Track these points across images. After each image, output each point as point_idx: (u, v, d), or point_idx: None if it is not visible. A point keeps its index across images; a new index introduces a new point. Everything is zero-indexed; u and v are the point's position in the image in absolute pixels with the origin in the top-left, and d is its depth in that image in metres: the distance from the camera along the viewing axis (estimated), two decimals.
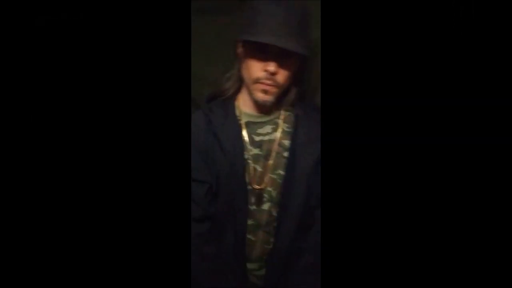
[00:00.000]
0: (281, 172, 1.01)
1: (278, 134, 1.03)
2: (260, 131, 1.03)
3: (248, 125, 1.03)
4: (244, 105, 1.05)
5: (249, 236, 1.01)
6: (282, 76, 0.95)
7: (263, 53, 0.93)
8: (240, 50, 0.99)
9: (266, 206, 1.01)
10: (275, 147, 1.02)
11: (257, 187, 1.01)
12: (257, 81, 0.96)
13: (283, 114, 1.05)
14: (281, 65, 0.94)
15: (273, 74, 0.93)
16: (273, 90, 0.96)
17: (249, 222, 1.01)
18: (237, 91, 1.05)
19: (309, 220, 1.01)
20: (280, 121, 1.04)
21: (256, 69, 0.95)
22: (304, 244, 1.01)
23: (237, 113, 1.04)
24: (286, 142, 1.03)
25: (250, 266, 1.03)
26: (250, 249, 1.02)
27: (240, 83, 1.03)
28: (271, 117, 1.04)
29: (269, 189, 1.01)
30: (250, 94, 1.00)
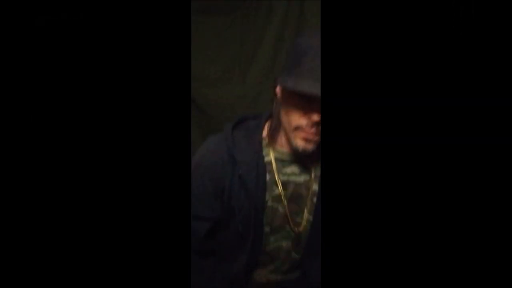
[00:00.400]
0: (311, 218, 0.96)
1: (305, 176, 0.97)
2: (285, 170, 0.96)
3: (274, 163, 0.96)
4: (277, 144, 0.96)
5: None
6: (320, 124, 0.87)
7: (307, 100, 0.84)
8: (279, 93, 0.92)
9: (288, 246, 0.98)
10: (302, 190, 0.97)
11: (296, 229, 0.96)
12: (298, 128, 0.88)
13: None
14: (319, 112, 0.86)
15: (316, 123, 0.86)
16: (315, 138, 0.89)
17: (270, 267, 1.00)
18: (273, 131, 0.95)
19: None
20: (308, 161, 0.97)
21: (298, 116, 0.87)
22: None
23: (265, 150, 0.96)
24: (314, 186, 0.96)
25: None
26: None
27: (277, 126, 0.94)
28: (303, 158, 0.96)
29: (302, 233, 0.97)
30: (289, 140, 0.92)
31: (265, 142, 0.96)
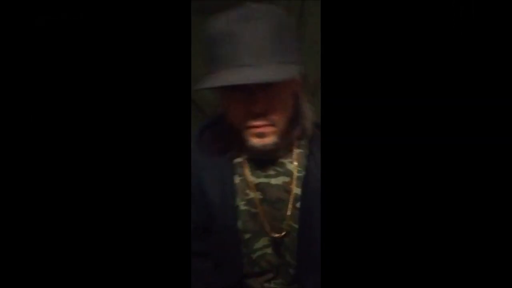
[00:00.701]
0: (294, 225, 0.85)
1: (285, 178, 0.85)
2: (259, 172, 0.86)
3: (244, 164, 0.86)
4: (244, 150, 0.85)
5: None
6: (273, 111, 0.76)
7: (239, 92, 0.75)
8: (219, 96, 0.81)
9: (269, 251, 0.87)
10: (281, 193, 0.85)
11: (275, 234, 0.84)
12: (246, 127, 0.78)
13: (292, 152, 0.86)
14: (269, 100, 0.75)
15: (261, 114, 0.76)
16: (269, 130, 0.77)
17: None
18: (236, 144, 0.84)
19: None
20: (286, 161, 0.86)
21: (240, 115, 0.77)
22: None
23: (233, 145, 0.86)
24: (298, 191, 0.85)
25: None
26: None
27: (233, 134, 0.82)
28: (275, 155, 0.85)
29: (285, 239, 0.85)
30: (245, 141, 0.80)
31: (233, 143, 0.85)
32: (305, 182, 0.84)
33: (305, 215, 0.84)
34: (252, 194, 0.85)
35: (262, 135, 0.78)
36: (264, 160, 0.85)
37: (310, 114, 0.85)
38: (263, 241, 0.86)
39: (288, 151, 0.86)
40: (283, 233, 0.84)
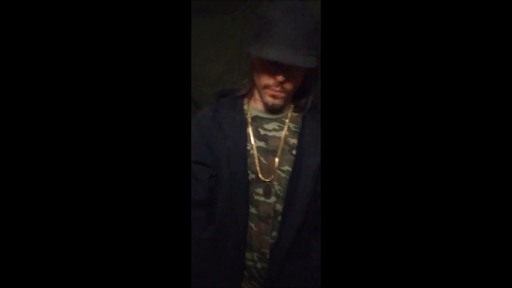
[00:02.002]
0: (288, 168, 1.06)
1: (284, 132, 1.10)
2: (266, 126, 1.10)
3: (255, 119, 1.11)
4: (254, 103, 1.13)
5: (250, 224, 1.05)
6: (290, 84, 1.04)
7: (272, 64, 0.99)
8: (254, 61, 1.07)
9: (271, 200, 1.05)
10: (281, 143, 1.08)
11: (266, 179, 1.06)
12: (267, 87, 1.05)
13: (290, 114, 1.12)
14: (289, 75, 1.02)
15: (281, 83, 1.02)
16: (281, 95, 1.05)
17: (252, 210, 1.05)
18: (249, 92, 1.13)
19: (317, 221, 1.04)
20: (287, 120, 1.11)
21: (266, 77, 1.03)
22: (315, 243, 1.06)
23: (245, 107, 1.13)
24: (292, 141, 1.09)
25: (248, 255, 1.06)
26: (250, 238, 1.06)
27: (252, 86, 1.12)
28: (278, 115, 1.11)
29: (275, 183, 1.06)
30: (261, 97, 1.09)
31: (246, 103, 1.13)
32: (300, 135, 1.09)
33: (298, 161, 1.06)
34: (260, 143, 1.08)
35: (275, 96, 1.05)
36: (270, 118, 1.11)
37: (310, 97, 1.12)
38: (259, 188, 1.06)
39: (286, 113, 1.12)
40: (272, 177, 1.06)
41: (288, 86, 1.04)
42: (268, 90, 1.04)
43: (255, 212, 1.05)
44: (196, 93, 1.44)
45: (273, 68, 1.01)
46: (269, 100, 1.06)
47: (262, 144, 1.08)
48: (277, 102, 1.06)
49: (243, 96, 1.13)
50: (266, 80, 1.03)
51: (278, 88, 1.03)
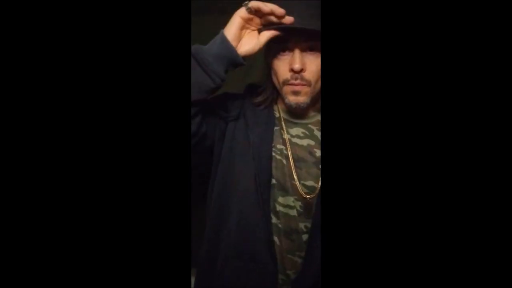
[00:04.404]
0: (313, 184, 0.95)
1: (309, 140, 0.98)
2: (290, 131, 0.99)
3: (281, 120, 1.00)
4: (282, 104, 1.01)
5: (274, 238, 0.94)
6: (310, 73, 0.92)
7: (286, 49, 0.91)
8: (267, 55, 0.97)
9: (293, 213, 0.95)
10: (305, 154, 0.97)
11: (308, 197, 0.93)
12: (285, 83, 0.93)
13: (319, 120, 0.99)
14: (306, 60, 0.91)
15: (299, 72, 0.91)
16: (305, 90, 0.93)
17: (274, 221, 0.95)
18: (274, 100, 1.02)
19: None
20: (315, 128, 0.99)
21: (282, 70, 0.93)
22: None
23: (274, 107, 1.02)
24: (318, 152, 0.97)
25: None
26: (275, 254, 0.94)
27: (275, 92, 1.00)
28: (306, 120, 1.00)
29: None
30: (283, 99, 0.96)
31: (275, 103, 1.02)
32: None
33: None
34: (283, 148, 0.97)
35: (298, 93, 0.93)
36: (295, 122, 1.00)
37: None
38: (288, 200, 0.95)
39: (315, 119, 1.00)
40: (315, 194, 0.93)
41: (308, 75, 0.92)
42: (288, 86, 0.93)
43: (277, 222, 0.94)
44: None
45: (286, 57, 0.91)
46: (292, 99, 0.94)
47: (283, 149, 0.97)
48: (301, 100, 0.93)
49: (266, 101, 1.02)
50: (283, 74, 0.92)
51: (298, 81, 0.92)
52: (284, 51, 0.92)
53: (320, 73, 0.93)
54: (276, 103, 1.03)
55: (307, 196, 0.94)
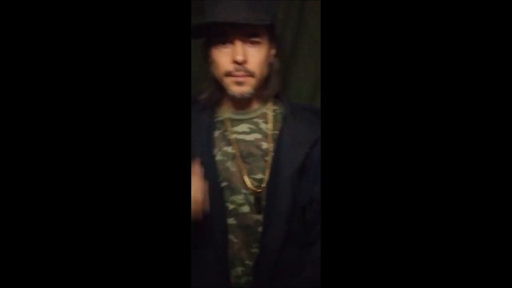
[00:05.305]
0: (262, 176, 0.97)
1: (256, 135, 1.00)
2: (236, 129, 1.00)
3: (225, 122, 1.00)
4: (225, 103, 1.02)
5: (230, 236, 0.97)
6: (253, 64, 0.92)
7: (226, 42, 0.91)
8: (206, 49, 0.96)
9: (245, 209, 0.97)
10: (252, 149, 0.99)
11: (253, 188, 0.96)
12: (228, 74, 0.93)
13: (266, 113, 1.01)
14: (249, 52, 0.92)
15: (242, 63, 0.91)
16: (248, 80, 0.93)
17: (230, 221, 0.97)
18: (214, 94, 1.01)
19: (304, 233, 0.98)
20: (261, 121, 1.01)
21: (223, 62, 0.93)
22: (307, 257, 0.97)
23: (217, 112, 1.02)
24: (266, 145, 0.98)
25: (233, 272, 0.97)
26: (232, 251, 0.97)
27: (218, 89, 0.99)
28: (251, 115, 1.01)
29: (245, 191, 0.97)
30: (225, 90, 0.96)
31: (217, 106, 1.02)
32: (278, 138, 0.98)
33: (275, 169, 0.96)
34: (229, 148, 0.98)
35: (241, 83, 0.93)
36: (241, 119, 1.00)
37: (277, 81, 1.01)
38: (239, 198, 0.97)
39: (260, 112, 1.01)
40: (264, 186, 0.96)
41: (251, 66, 0.92)
42: (231, 77, 0.93)
43: (234, 222, 0.97)
44: (196, 92, 1.44)
45: (228, 45, 0.91)
46: (235, 89, 0.93)
47: (229, 149, 0.98)
48: (245, 89, 0.93)
49: (211, 99, 1.01)
50: (225, 65, 0.92)
51: (241, 73, 0.92)
52: (224, 43, 0.92)
53: (263, 65, 0.94)
54: (220, 105, 1.03)
55: (258, 190, 0.96)
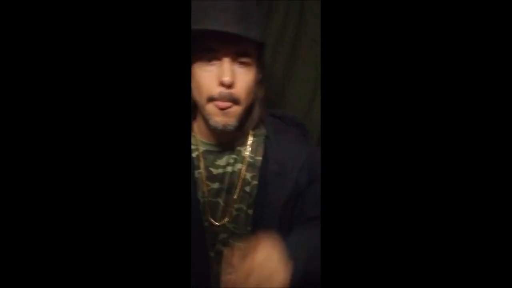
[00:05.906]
0: (243, 207, 0.90)
1: (239, 165, 0.91)
2: (219, 162, 0.91)
3: (205, 155, 0.90)
4: (200, 133, 0.91)
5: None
6: (240, 90, 0.81)
7: (212, 59, 0.80)
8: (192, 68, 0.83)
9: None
10: (237, 180, 0.91)
11: (215, 223, 0.90)
12: (211, 99, 0.81)
13: (247, 138, 0.92)
14: (237, 73, 0.80)
15: (229, 86, 0.79)
16: (234, 109, 0.82)
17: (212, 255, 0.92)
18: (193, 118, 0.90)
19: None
20: (242, 149, 0.91)
21: (207, 84, 0.80)
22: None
23: (193, 142, 0.90)
24: (248, 174, 0.90)
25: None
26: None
27: (194, 109, 0.87)
28: (232, 144, 0.92)
29: (232, 225, 0.91)
30: (206, 119, 0.84)
31: (194, 138, 0.90)
32: (261, 166, 0.89)
33: (260, 199, 0.88)
34: (214, 185, 0.90)
35: (226, 113, 0.81)
36: (221, 151, 0.90)
37: (260, 112, 0.90)
38: (223, 234, 0.91)
39: (244, 139, 0.92)
40: (225, 220, 0.89)
41: (237, 92, 0.80)
42: (213, 104, 0.80)
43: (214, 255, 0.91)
44: None
45: (213, 68, 0.79)
46: (219, 120, 0.81)
47: (216, 185, 0.89)
48: (229, 121, 0.81)
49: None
50: (209, 88, 0.80)
51: (225, 99, 0.79)
52: (210, 60, 0.81)
53: (249, 90, 0.83)
54: (194, 132, 0.90)
55: (216, 223, 0.91)
